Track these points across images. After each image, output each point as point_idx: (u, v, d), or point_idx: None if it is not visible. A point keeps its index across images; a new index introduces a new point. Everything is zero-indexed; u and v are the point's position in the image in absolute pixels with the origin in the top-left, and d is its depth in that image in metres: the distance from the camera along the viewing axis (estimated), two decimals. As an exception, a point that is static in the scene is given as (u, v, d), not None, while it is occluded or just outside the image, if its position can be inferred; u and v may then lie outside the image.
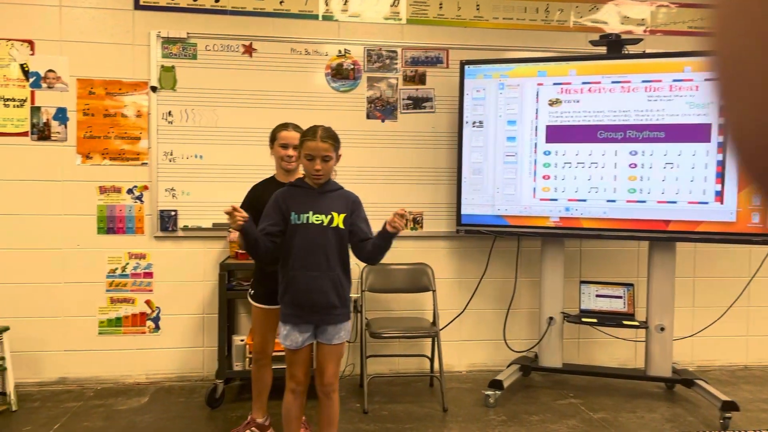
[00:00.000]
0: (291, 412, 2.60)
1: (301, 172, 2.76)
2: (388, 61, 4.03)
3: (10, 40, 3.70)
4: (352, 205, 2.56)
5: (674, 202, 3.53)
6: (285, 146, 2.89)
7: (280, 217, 2.48)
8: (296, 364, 2.55)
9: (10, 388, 3.39)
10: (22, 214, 3.74)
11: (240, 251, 3.49)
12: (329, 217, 2.48)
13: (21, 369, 3.66)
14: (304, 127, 2.63)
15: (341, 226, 2.50)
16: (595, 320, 3.71)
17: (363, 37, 4.02)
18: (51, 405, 3.49)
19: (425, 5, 4.07)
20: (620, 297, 3.72)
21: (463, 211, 3.86)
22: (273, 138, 2.96)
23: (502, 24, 4.14)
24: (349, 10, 4.01)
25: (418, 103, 4.06)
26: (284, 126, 2.96)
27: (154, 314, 3.89)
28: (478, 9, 4.11)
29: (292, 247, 2.47)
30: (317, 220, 2.47)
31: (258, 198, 2.84)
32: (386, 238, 2.47)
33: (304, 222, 2.46)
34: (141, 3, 3.81)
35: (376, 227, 2.57)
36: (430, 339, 3.89)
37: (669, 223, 3.54)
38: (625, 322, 3.66)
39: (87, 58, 3.77)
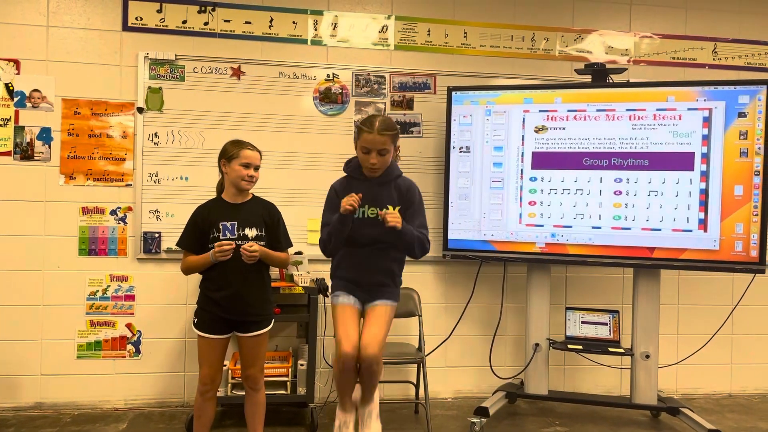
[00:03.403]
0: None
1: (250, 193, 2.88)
2: (376, 86, 4.05)
3: (-5, 59, 3.68)
4: (407, 194, 2.69)
5: (658, 230, 3.55)
6: (247, 165, 2.75)
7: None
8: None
9: (-16, 414, 3.30)
10: (1, 234, 3.68)
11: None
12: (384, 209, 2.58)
13: (-5, 394, 3.57)
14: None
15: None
16: (580, 347, 3.70)
17: (351, 62, 4.04)
18: (26, 431, 3.40)
19: (413, 32, 4.11)
20: (606, 324, 3.72)
21: (450, 236, 3.86)
22: (230, 155, 2.77)
23: (489, 51, 4.19)
24: (338, 35, 4.04)
25: (405, 128, 4.08)
26: (243, 144, 2.80)
27: (135, 338, 3.82)
28: (465, 36, 4.16)
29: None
30: (372, 214, 2.57)
31: (205, 218, 2.79)
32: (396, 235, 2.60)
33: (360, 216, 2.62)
34: (129, 24, 3.81)
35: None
36: (415, 365, 3.85)
37: (653, 251, 3.56)
38: (611, 349, 3.65)
39: (73, 79, 3.75)
